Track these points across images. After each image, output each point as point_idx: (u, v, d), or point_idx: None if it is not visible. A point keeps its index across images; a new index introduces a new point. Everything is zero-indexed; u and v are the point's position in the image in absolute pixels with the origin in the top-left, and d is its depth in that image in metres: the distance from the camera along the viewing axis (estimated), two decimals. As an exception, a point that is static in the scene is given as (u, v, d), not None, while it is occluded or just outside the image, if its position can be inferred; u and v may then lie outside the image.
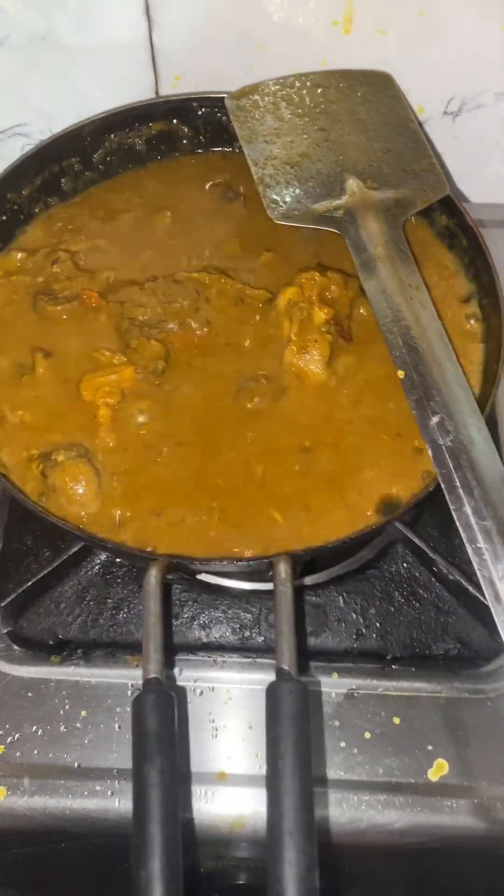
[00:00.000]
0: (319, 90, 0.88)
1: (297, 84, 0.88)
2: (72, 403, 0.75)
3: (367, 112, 0.87)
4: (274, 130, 0.86)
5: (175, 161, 0.93)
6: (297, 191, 0.82)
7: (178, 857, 0.51)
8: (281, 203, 0.82)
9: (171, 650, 0.75)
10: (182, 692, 0.73)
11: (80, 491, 0.70)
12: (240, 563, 0.65)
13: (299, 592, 0.76)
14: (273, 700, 0.55)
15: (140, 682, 0.74)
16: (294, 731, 0.53)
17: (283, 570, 0.61)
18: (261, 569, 0.65)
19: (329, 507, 0.70)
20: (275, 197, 0.82)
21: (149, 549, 0.66)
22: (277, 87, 0.88)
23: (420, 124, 0.90)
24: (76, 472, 0.70)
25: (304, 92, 0.88)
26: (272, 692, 0.55)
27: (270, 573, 0.64)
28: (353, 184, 0.82)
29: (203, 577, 0.75)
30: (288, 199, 0.82)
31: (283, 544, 0.68)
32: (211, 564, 0.65)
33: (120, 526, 0.70)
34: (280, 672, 0.56)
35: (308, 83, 0.88)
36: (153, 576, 0.62)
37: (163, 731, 0.54)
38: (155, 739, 0.53)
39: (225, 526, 0.70)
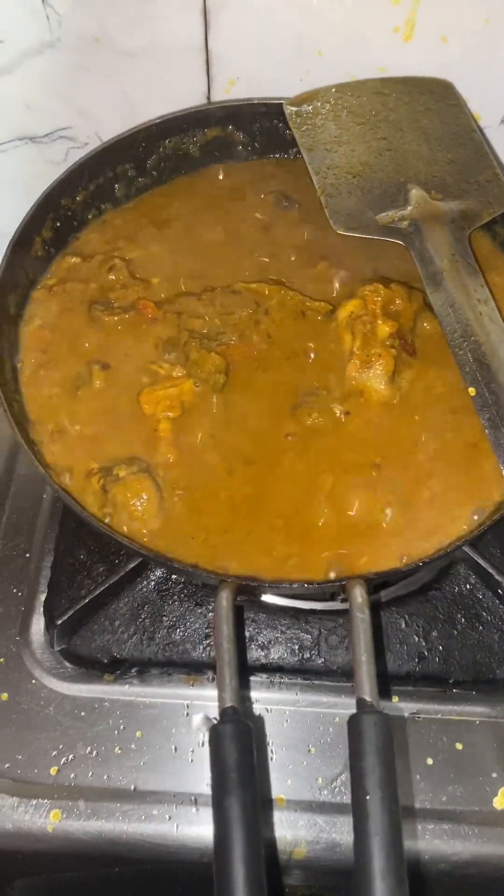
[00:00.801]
0: (380, 98, 0.86)
1: (358, 91, 0.86)
2: (131, 417, 0.74)
3: (429, 121, 0.85)
4: (335, 138, 0.84)
5: (229, 167, 0.91)
6: (360, 201, 0.80)
7: (263, 893, 0.49)
8: (344, 213, 0.80)
9: (246, 671, 0.73)
10: (260, 721, 0.71)
11: (142, 507, 0.68)
12: (314, 585, 0.63)
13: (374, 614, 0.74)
14: (356, 733, 0.53)
15: (197, 703, 0.74)
16: (380, 766, 0.51)
17: (359, 594, 0.60)
18: (331, 591, 0.63)
19: (401, 527, 0.68)
20: (338, 207, 0.80)
21: (218, 570, 0.64)
22: (337, 93, 0.86)
23: (482, 133, 0.88)
24: (138, 487, 0.69)
25: (365, 99, 0.86)
26: (354, 725, 0.54)
27: (342, 596, 0.63)
28: (416, 194, 0.80)
29: (264, 596, 0.73)
30: (351, 209, 0.80)
31: (352, 565, 0.66)
32: (282, 587, 0.63)
33: (182, 544, 0.68)
34: (361, 703, 0.54)
35: (369, 90, 0.86)
36: (224, 598, 0.60)
37: (242, 763, 0.52)
38: (235, 771, 0.51)
39: (291, 545, 0.68)
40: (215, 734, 0.54)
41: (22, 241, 0.79)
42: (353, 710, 0.72)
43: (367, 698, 0.54)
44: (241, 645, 0.73)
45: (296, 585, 0.63)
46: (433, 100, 0.86)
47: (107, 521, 0.67)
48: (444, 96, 0.87)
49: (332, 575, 0.65)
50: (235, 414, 0.74)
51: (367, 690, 0.55)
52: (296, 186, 0.89)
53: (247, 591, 0.63)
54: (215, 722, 0.55)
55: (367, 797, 0.50)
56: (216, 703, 0.73)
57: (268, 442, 0.73)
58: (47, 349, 0.78)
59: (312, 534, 0.68)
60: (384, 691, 0.74)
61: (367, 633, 0.57)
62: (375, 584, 0.68)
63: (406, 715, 0.74)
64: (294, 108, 0.86)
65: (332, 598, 0.73)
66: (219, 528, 0.69)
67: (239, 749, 0.53)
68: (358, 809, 0.50)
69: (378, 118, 0.85)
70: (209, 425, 0.74)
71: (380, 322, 0.76)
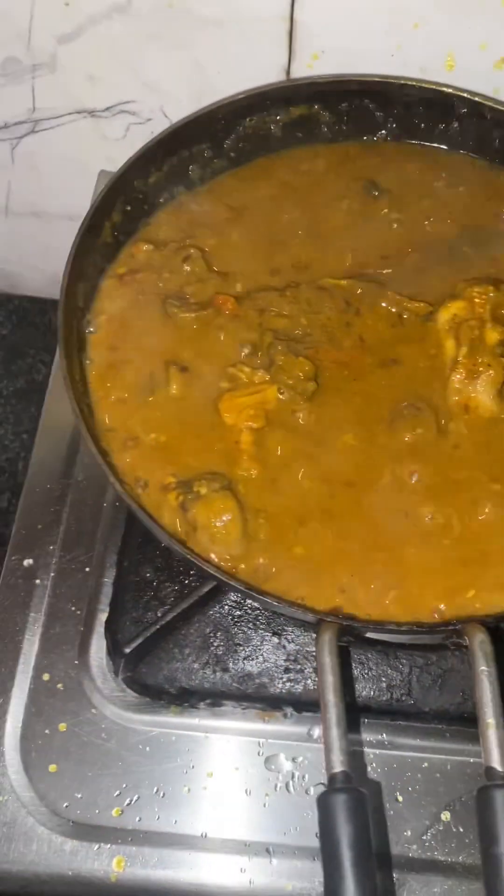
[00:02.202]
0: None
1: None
2: (209, 426, 0.67)
3: None
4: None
5: (313, 150, 0.83)
6: None
7: None
8: None
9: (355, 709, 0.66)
10: (376, 787, 0.64)
11: (224, 529, 0.61)
12: (424, 629, 0.56)
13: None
14: (489, 810, 0.46)
15: (272, 741, 0.68)
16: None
17: (480, 640, 0.52)
18: (443, 635, 0.56)
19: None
20: None
21: (315, 606, 0.57)
22: None
23: None
24: (221, 507, 0.62)
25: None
26: (486, 799, 0.47)
27: (452, 640, 0.56)
28: None
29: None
30: None
31: (460, 601, 0.59)
32: (388, 627, 0.56)
33: (266, 573, 0.61)
34: (491, 773, 0.48)
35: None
36: (327, 641, 0.53)
37: (358, 841, 0.45)
38: (351, 854, 0.45)
39: (390, 576, 0.61)
40: (325, 804, 0.47)
41: (93, 226, 0.71)
42: (446, 756, 0.66)
43: (499, 768, 0.47)
44: (349, 694, 0.66)
45: (405, 627, 0.56)
46: None
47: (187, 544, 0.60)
48: None
49: (438, 613, 0.58)
50: (325, 427, 0.67)
51: (497, 758, 0.48)
52: (385, 172, 0.81)
53: (349, 633, 0.56)
54: (324, 788, 0.48)
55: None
56: (292, 742, 0.68)
57: (362, 460, 0.66)
58: (117, 346, 0.71)
59: (415, 564, 0.61)
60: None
61: (495, 690, 0.50)
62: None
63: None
64: None
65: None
66: (308, 555, 0.62)
67: (354, 823, 0.46)
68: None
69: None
70: (296, 439, 0.66)
71: (489, 327, 0.68)
